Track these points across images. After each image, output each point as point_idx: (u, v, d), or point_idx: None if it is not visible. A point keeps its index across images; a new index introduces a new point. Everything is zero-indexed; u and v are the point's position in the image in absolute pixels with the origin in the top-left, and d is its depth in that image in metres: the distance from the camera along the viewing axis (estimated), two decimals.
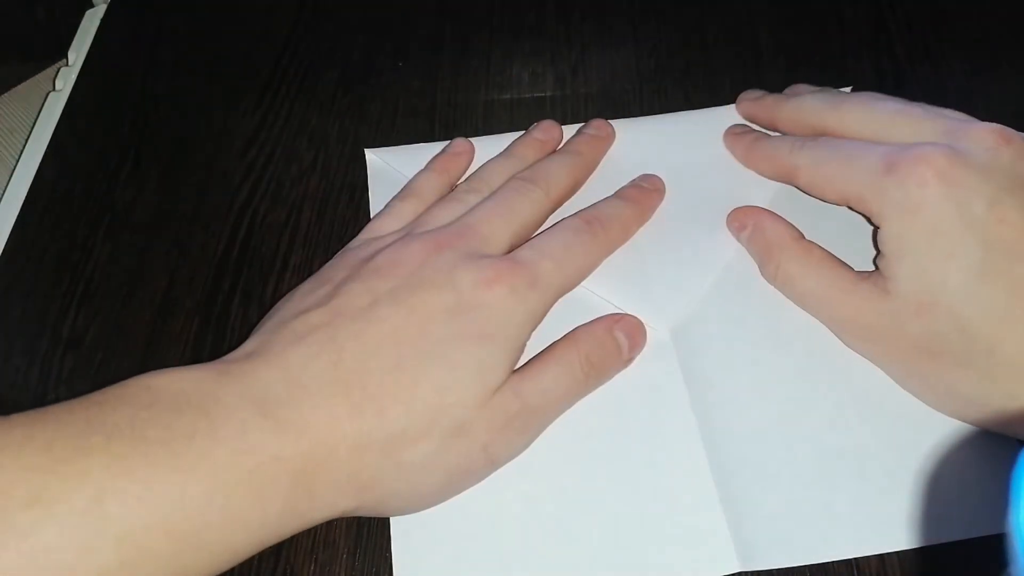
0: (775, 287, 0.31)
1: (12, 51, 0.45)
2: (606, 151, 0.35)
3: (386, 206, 0.33)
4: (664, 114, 0.37)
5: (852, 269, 0.29)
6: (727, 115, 0.36)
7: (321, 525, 0.27)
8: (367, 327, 0.26)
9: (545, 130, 0.35)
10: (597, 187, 0.34)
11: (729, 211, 0.33)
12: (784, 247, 0.30)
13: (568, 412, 0.29)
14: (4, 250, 0.35)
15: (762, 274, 0.31)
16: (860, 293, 0.28)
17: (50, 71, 0.44)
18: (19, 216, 0.36)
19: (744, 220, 0.32)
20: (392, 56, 0.41)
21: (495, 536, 0.27)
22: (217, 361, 0.26)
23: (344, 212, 0.36)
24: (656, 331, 0.31)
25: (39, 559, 0.20)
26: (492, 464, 0.27)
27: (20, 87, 0.45)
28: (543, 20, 0.42)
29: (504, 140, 0.35)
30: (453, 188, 0.33)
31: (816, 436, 0.28)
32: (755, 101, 0.35)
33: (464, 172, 0.35)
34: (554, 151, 0.35)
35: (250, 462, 0.23)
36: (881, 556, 0.26)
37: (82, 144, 0.39)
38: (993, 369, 0.25)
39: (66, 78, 0.41)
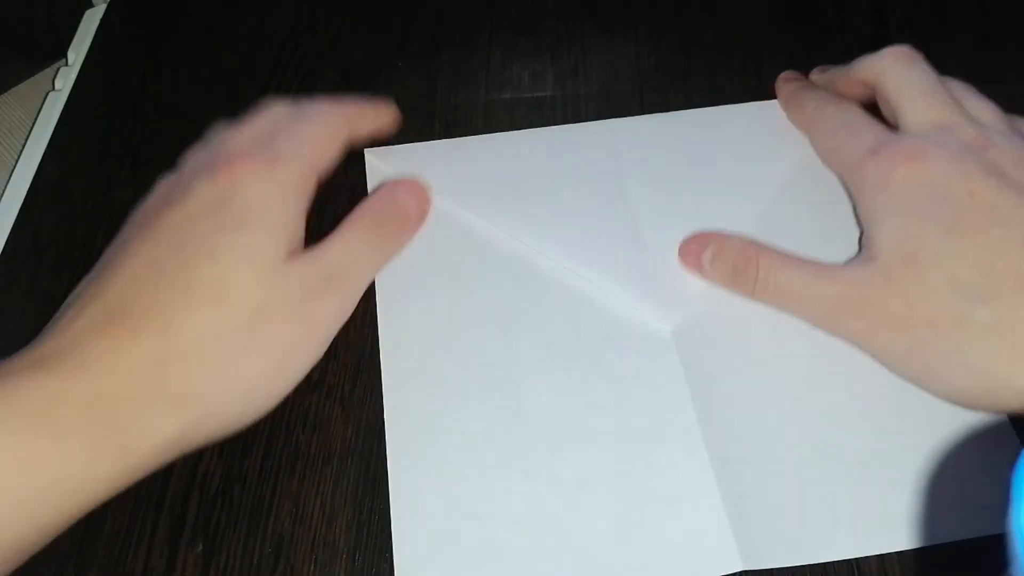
0: (755, 294, 0.30)
1: (12, 51, 0.45)
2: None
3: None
4: (679, 111, 0.37)
5: None
6: (738, 113, 0.36)
7: (321, 525, 0.27)
8: (125, 260, 0.27)
9: None
10: (607, 188, 0.34)
11: (736, 211, 0.33)
12: (763, 248, 0.30)
13: (569, 410, 0.29)
14: (4, 250, 0.35)
15: (738, 284, 0.30)
16: (841, 271, 0.28)
17: (50, 71, 0.44)
18: (19, 216, 0.36)
19: (702, 242, 0.31)
20: (392, 56, 0.41)
21: (496, 536, 0.27)
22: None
23: (344, 212, 0.35)
24: (659, 328, 0.31)
25: None
26: (313, 335, 0.28)
27: (20, 87, 0.45)
28: (543, 20, 0.42)
29: (505, 140, 0.35)
30: None
31: (818, 435, 0.28)
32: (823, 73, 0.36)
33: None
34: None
35: (28, 405, 0.23)
36: (881, 556, 0.26)
37: (82, 144, 0.39)
38: (992, 322, 0.25)
39: (66, 78, 0.41)
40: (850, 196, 0.32)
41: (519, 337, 0.31)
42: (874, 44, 0.40)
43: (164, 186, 0.30)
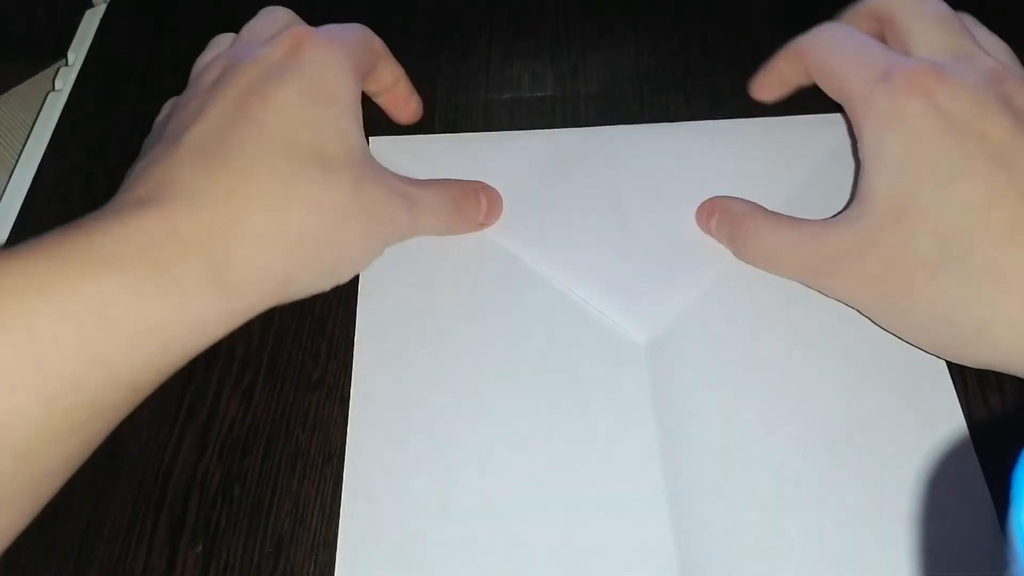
0: (746, 258, 0.31)
1: (12, 51, 0.45)
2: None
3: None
4: (682, 123, 0.37)
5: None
6: (740, 129, 0.36)
7: (321, 525, 0.27)
8: (202, 114, 0.27)
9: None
10: (604, 196, 0.34)
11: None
12: (754, 214, 0.31)
13: (532, 409, 0.29)
14: None
15: (733, 248, 0.31)
16: (830, 227, 0.28)
17: (50, 71, 0.44)
18: (19, 216, 0.36)
19: (711, 208, 0.32)
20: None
21: (442, 540, 0.27)
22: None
23: None
24: (632, 337, 0.30)
25: None
26: (391, 227, 0.29)
27: (20, 87, 0.45)
28: (543, 20, 0.42)
29: (510, 140, 0.36)
30: None
31: (778, 462, 0.27)
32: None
33: None
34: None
35: (141, 242, 0.23)
36: None
37: (82, 144, 0.39)
38: (970, 274, 0.25)
39: (66, 78, 0.41)
40: (851, 131, 0.30)
41: (492, 334, 0.31)
42: None
43: (215, 66, 0.30)
